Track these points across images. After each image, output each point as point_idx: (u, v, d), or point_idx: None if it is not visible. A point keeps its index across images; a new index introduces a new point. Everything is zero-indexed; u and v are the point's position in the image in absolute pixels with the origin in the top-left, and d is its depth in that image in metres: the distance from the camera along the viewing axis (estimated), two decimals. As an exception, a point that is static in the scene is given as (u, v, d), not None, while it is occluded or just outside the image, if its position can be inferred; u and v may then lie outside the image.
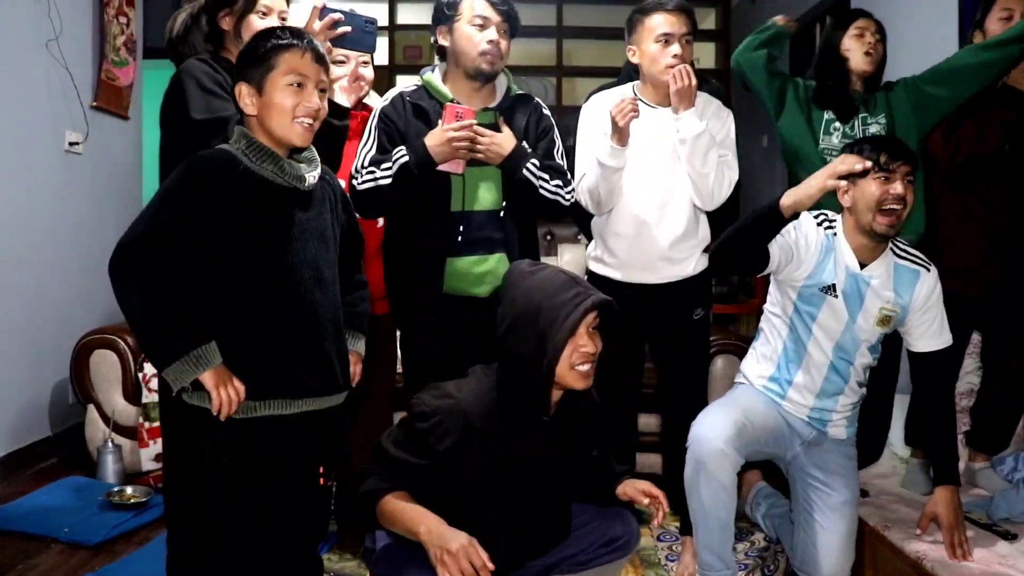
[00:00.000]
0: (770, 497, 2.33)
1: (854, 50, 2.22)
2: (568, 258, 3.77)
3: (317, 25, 1.73)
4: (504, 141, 1.95)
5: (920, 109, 2.21)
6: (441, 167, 1.93)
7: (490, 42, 1.95)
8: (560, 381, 1.54)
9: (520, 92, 2.10)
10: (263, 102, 1.49)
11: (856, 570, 1.97)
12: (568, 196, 2.04)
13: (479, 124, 1.94)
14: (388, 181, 1.92)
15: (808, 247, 1.91)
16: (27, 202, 2.95)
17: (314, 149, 1.60)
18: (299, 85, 1.49)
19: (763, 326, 2.09)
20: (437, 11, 2.02)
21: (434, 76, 2.03)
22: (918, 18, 3.32)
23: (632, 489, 1.69)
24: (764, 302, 2.11)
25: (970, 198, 2.21)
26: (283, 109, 1.48)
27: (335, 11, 1.76)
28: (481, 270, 1.97)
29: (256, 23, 1.79)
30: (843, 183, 1.83)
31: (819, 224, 1.93)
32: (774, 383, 2.01)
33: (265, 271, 1.48)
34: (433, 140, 1.90)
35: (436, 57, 2.12)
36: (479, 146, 1.92)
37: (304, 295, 1.52)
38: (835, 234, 1.93)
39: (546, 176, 1.99)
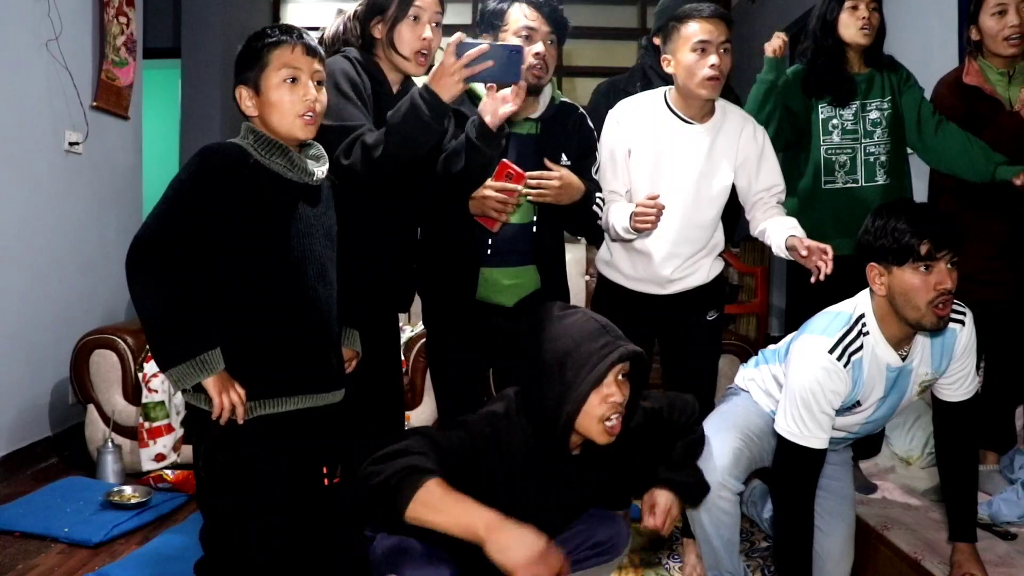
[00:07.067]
0: (768, 496, 2.32)
1: (849, 25, 2.20)
2: (569, 258, 3.72)
3: (453, 61, 1.62)
4: (574, 182, 1.93)
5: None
6: (478, 218, 1.90)
7: (536, 55, 1.88)
8: (584, 432, 1.51)
9: (564, 100, 2.06)
10: (261, 101, 1.50)
11: (856, 571, 1.96)
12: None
13: (520, 134, 1.92)
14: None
15: (840, 399, 1.73)
16: (27, 202, 2.94)
17: (319, 146, 1.61)
18: (293, 80, 1.49)
19: (776, 375, 1.94)
20: (483, 21, 1.96)
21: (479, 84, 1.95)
22: (918, 18, 3.32)
23: (649, 501, 1.65)
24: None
25: (990, 214, 2.20)
26: (281, 106, 1.49)
27: (472, 44, 1.64)
28: (510, 282, 1.96)
29: (406, 32, 1.79)
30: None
31: (846, 363, 1.69)
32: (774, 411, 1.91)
33: (271, 266, 1.49)
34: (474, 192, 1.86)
35: None
36: (547, 193, 1.88)
37: (308, 291, 1.52)
38: (862, 349, 1.71)
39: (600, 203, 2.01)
